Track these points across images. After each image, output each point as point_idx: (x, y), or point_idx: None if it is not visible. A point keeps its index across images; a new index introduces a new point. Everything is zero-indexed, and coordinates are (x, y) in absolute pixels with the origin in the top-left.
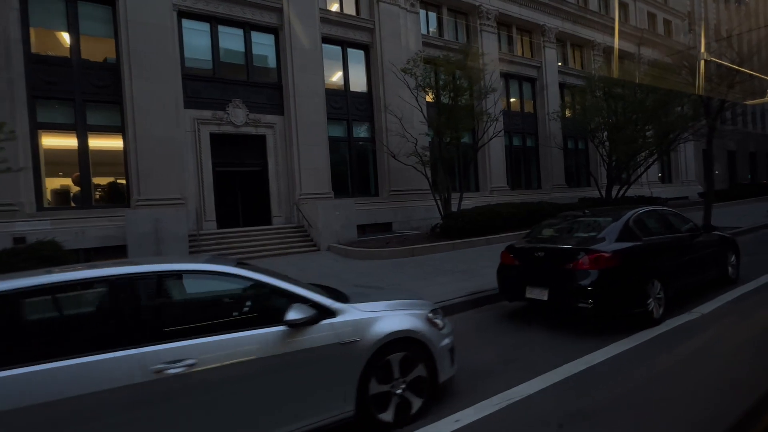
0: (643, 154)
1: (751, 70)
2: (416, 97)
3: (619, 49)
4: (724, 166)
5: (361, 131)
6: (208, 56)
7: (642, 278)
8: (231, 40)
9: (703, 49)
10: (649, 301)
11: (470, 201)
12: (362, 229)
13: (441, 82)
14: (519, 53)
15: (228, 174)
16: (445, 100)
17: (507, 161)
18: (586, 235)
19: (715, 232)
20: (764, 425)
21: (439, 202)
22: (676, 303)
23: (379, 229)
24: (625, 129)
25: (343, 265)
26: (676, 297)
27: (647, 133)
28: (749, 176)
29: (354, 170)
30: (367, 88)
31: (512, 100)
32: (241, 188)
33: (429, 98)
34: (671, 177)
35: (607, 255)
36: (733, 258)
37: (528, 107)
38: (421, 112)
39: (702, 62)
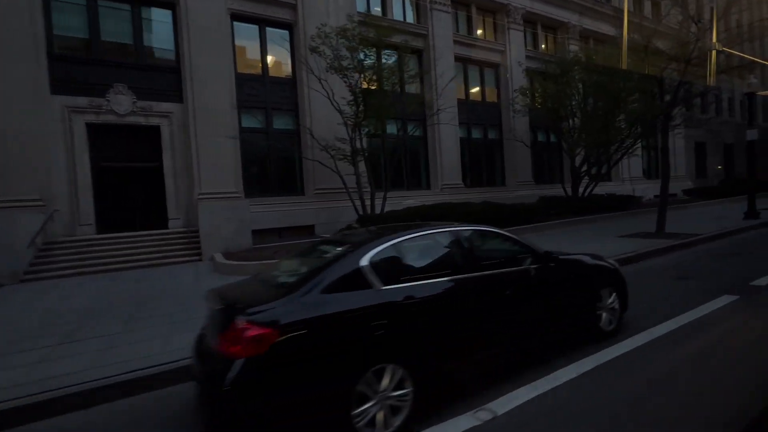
0: (613, 147)
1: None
2: (319, 80)
3: (599, 32)
4: (720, 160)
5: (283, 122)
6: (84, 33)
7: (350, 368)
8: (114, 15)
9: (714, 39)
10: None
11: (415, 200)
12: (278, 232)
13: (360, 63)
14: (480, 35)
15: (115, 171)
16: (367, 84)
17: (465, 156)
18: (288, 279)
19: (584, 259)
20: None
21: (356, 203)
22: (456, 391)
23: (299, 233)
24: (593, 117)
25: (192, 281)
26: (459, 380)
27: (620, 124)
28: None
29: (275, 166)
30: (291, 72)
31: (474, 89)
32: (132, 187)
33: (360, 84)
34: (658, 172)
35: (261, 330)
36: (611, 299)
37: (491, 96)
38: (328, 98)
39: (713, 52)
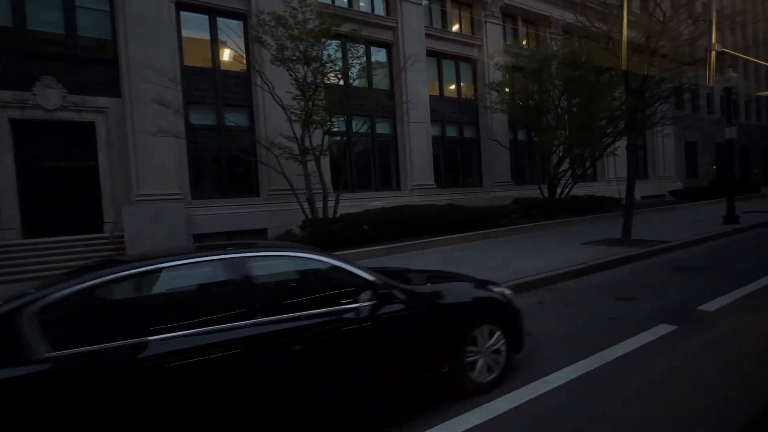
0: (589, 147)
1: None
2: (259, 73)
3: (583, 27)
4: (712, 160)
5: (236, 118)
6: (8, 21)
7: None
8: (44, 1)
9: (714, 40)
10: None
11: (382, 201)
12: (228, 237)
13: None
14: (455, 29)
15: (45, 171)
16: (314, 77)
17: (439, 155)
18: None
19: (455, 289)
20: None
21: (304, 205)
22: None
23: (253, 237)
24: (569, 114)
25: None
26: None
27: (597, 122)
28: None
29: (227, 166)
30: (246, 66)
31: (449, 85)
32: (65, 188)
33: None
34: (647, 172)
35: None
36: (493, 340)
37: (467, 93)
38: (270, 92)
39: (713, 53)
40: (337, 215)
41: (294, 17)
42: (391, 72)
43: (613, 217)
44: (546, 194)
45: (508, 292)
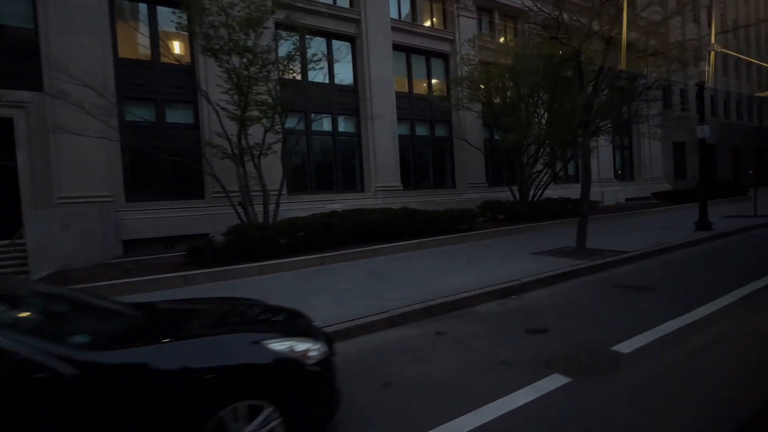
0: (559, 147)
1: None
2: (179, 63)
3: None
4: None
5: (179, 115)
6: None
7: None
8: None
9: (713, 40)
10: None
11: (342, 204)
12: (167, 242)
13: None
14: (427, 23)
15: None
16: (247, 70)
17: (409, 155)
18: None
19: (210, 342)
20: None
21: (238, 209)
22: None
23: (195, 242)
24: (544, 110)
25: None
26: None
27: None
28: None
29: (168, 166)
30: (190, 58)
31: (420, 81)
32: None
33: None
34: (633, 173)
35: None
36: (261, 419)
37: (439, 90)
38: (196, 87)
39: (712, 53)
40: (278, 219)
41: (218, 3)
42: (354, 67)
43: (590, 222)
44: (518, 197)
45: (313, 346)
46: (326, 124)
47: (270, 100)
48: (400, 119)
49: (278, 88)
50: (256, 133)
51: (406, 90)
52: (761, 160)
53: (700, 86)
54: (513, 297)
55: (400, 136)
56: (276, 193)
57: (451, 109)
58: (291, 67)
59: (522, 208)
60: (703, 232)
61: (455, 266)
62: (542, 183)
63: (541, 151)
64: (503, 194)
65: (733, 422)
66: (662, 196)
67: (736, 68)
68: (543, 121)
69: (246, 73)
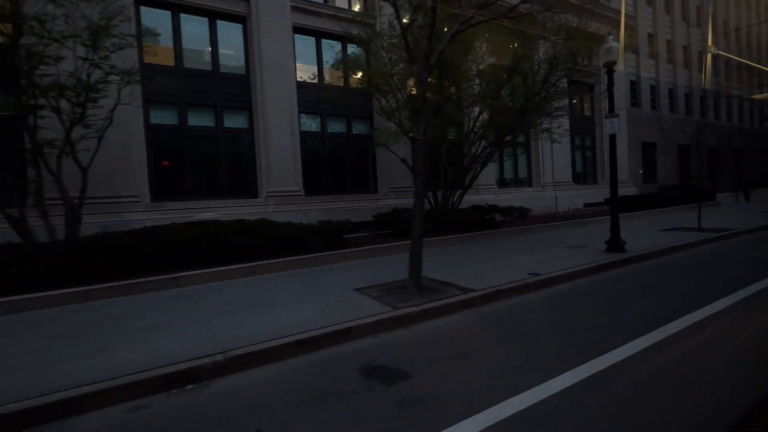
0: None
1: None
2: None
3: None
4: (673, 162)
5: None
6: None
7: None
8: None
9: (710, 43)
10: None
11: (217, 213)
12: None
13: None
14: (339, 3)
15: None
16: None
17: (318, 154)
18: None
19: None
20: None
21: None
22: None
23: None
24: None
25: None
26: None
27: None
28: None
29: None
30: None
31: (336, 72)
32: None
33: None
34: (595, 176)
35: None
36: None
37: (359, 81)
38: None
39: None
40: (82, 234)
41: None
42: (246, 52)
43: (500, 236)
44: (432, 202)
45: None
46: (208, 118)
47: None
48: (307, 113)
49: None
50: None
51: (315, 80)
52: (742, 162)
53: (609, 69)
54: (190, 387)
55: (308, 133)
56: (96, 200)
57: (373, 103)
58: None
59: (434, 216)
60: (612, 254)
61: (232, 309)
62: (457, 187)
63: (470, 149)
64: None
65: None
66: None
67: (715, 66)
68: (474, 116)
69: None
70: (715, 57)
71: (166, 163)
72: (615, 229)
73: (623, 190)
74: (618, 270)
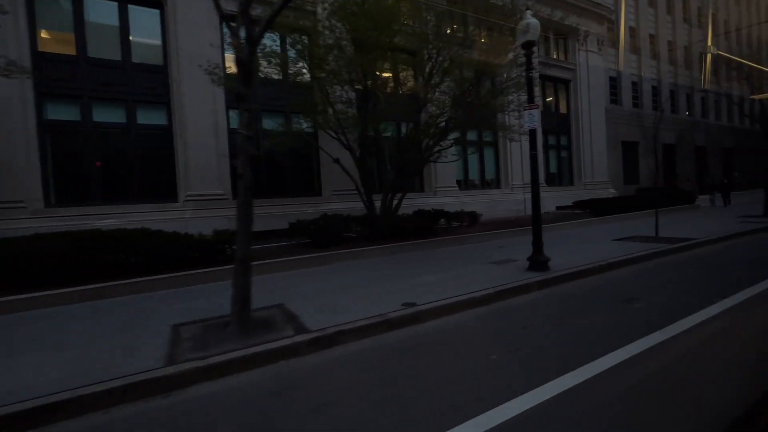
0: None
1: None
2: None
3: None
4: (658, 162)
5: None
6: None
7: None
8: None
9: (710, 43)
10: None
11: (120, 220)
12: None
13: None
14: None
15: None
16: None
17: (258, 154)
18: None
19: None
20: None
21: None
22: None
23: None
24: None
25: None
26: None
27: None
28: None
29: None
30: None
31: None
32: None
33: None
34: (572, 177)
35: None
36: None
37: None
38: None
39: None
40: None
41: None
42: (164, 41)
43: (434, 246)
44: (386, 207)
45: None
46: (118, 114)
47: None
48: (236, 108)
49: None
50: None
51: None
52: (732, 162)
53: (527, 50)
54: None
55: (233, 130)
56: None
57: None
58: None
59: (364, 225)
60: (532, 273)
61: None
62: (439, 187)
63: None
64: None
65: None
66: (588, 205)
67: (700, 62)
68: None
69: None
70: (703, 54)
71: (65, 163)
72: (537, 243)
73: (600, 192)
74: (525, 297)
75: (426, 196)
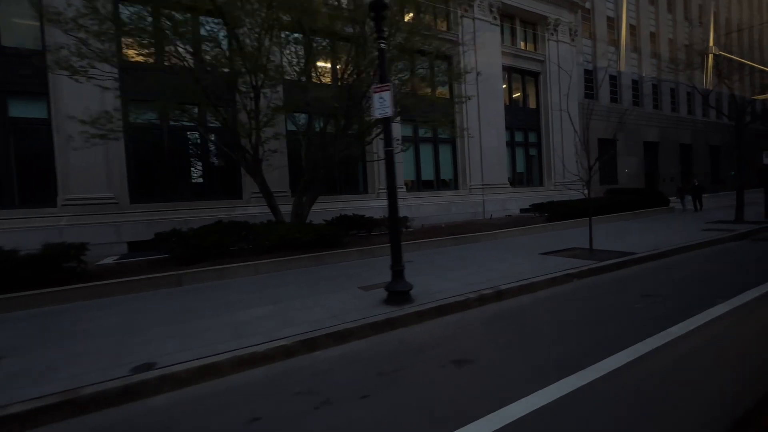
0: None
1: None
2: None
3: None
4: (639, 161)
5: None
6: None
7: None
8: None
9: (711, 43)
10: None
11: None
12: None
13: None
14: None
15: None
16: None
17: (152, 152)
18: None
19: None
20: None
21: None
22: None
23: None
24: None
25: None
26: None
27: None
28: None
29: None
30: None
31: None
32: None
33: None
34: (541, 177)
35: None
36: None
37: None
38: None
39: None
40: None
41: None
42: (42, 23)
43: (330, 261)
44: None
45: None
46: None
47: None
48: (143, 100)
49: None
50: None
51: (152, 57)
52: (719, 161)
53: (377, 13)
54: None
55: (137, 126)
56: None
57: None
58: None
59: (258, 232)
60: (384, 309)
61: None
62: (382, 189)
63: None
64: (316, 206)
65: None
66: (544, 208)
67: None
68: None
69: None
70: (688, 47)
71: None
72: (396, 266)
73: (573, 194)
74: (343, 347)
75: (367, 199)
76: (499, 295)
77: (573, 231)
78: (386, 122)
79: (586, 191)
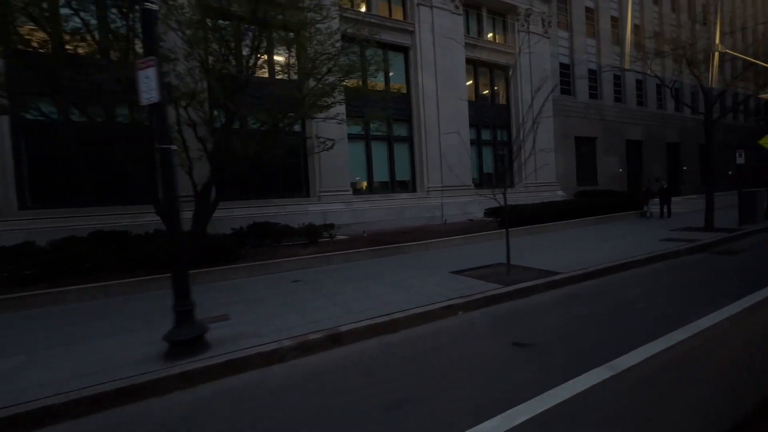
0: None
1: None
2: None
3: None
4: (621, 160)
5: None
6: None
7: None
8: None
9: (717, 41)
10: None
11: None
12: None
13: None
14: None
15: None
16: None
17: (56, 153)
18: None
19: None
20: None
21: None
22: None
23: None
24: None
25: None
26: None
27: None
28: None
29: None
30: None
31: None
32: None
33: None
34: (512, 178)
35: None
36: None
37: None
38: None
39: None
40: None
41: None
42: None
43: (202, 281)
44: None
45: None
46: None
47: None
48: (37, 94)
49: None
50: None
51: (48, 45)
52: (708, 160)
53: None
54: None
55: (36, 123)
56: None
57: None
58: None
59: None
60: (162, 365)
61: None
62: (324, 191)
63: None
64: (241, 212)
65: None
66: (498, 213)
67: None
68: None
69: None
70: (659, 34)
71: None
72: (181, 305)
73: (546, 196)
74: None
75: (307, 203)
76: (334, 340)
77: (521, 240)
78: (157, 110)
79: (561, 192)
